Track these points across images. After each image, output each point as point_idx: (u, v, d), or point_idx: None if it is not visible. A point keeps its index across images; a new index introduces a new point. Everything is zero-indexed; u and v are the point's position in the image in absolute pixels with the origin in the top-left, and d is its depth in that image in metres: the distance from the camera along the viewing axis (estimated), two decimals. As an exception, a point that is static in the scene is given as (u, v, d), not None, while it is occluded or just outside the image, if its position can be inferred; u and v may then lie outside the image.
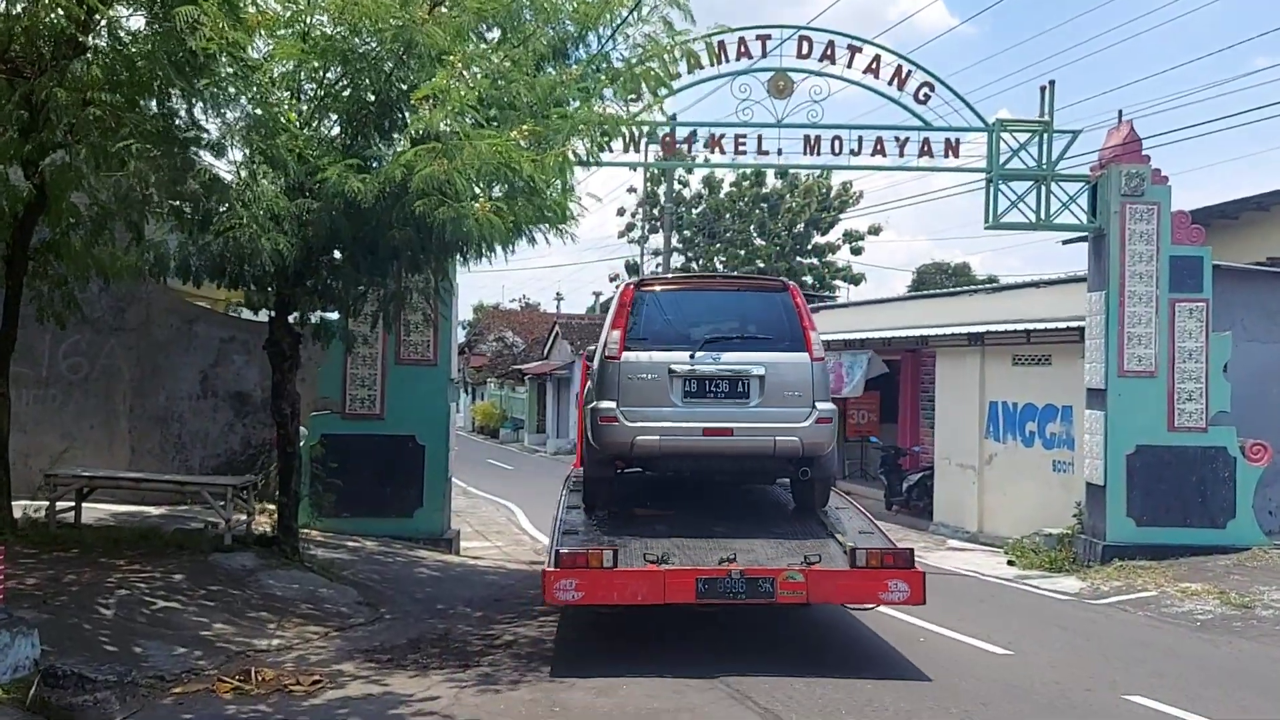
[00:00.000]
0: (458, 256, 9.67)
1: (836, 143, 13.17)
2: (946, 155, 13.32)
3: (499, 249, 9.64)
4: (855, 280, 53.46)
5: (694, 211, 53.91)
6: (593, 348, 12.64)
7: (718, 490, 9.85)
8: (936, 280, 50.35)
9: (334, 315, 12.16)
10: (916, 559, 8.24)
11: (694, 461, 8.81)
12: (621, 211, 55.66)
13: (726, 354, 8.47)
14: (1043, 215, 13.41)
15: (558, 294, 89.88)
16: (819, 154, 13.20)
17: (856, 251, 54.06)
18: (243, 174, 8.54)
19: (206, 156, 8.91)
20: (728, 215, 53.68)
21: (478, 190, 7.87)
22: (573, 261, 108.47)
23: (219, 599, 8.87)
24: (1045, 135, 13.36)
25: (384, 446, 12.83)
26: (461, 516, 17.51)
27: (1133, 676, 8.04)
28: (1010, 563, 14.08)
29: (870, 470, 23.28)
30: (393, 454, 12.84)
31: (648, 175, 43.85)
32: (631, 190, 53.68)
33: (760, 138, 13.18)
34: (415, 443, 12.89)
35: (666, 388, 8.41)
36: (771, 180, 53.46)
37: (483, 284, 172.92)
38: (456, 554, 13.05)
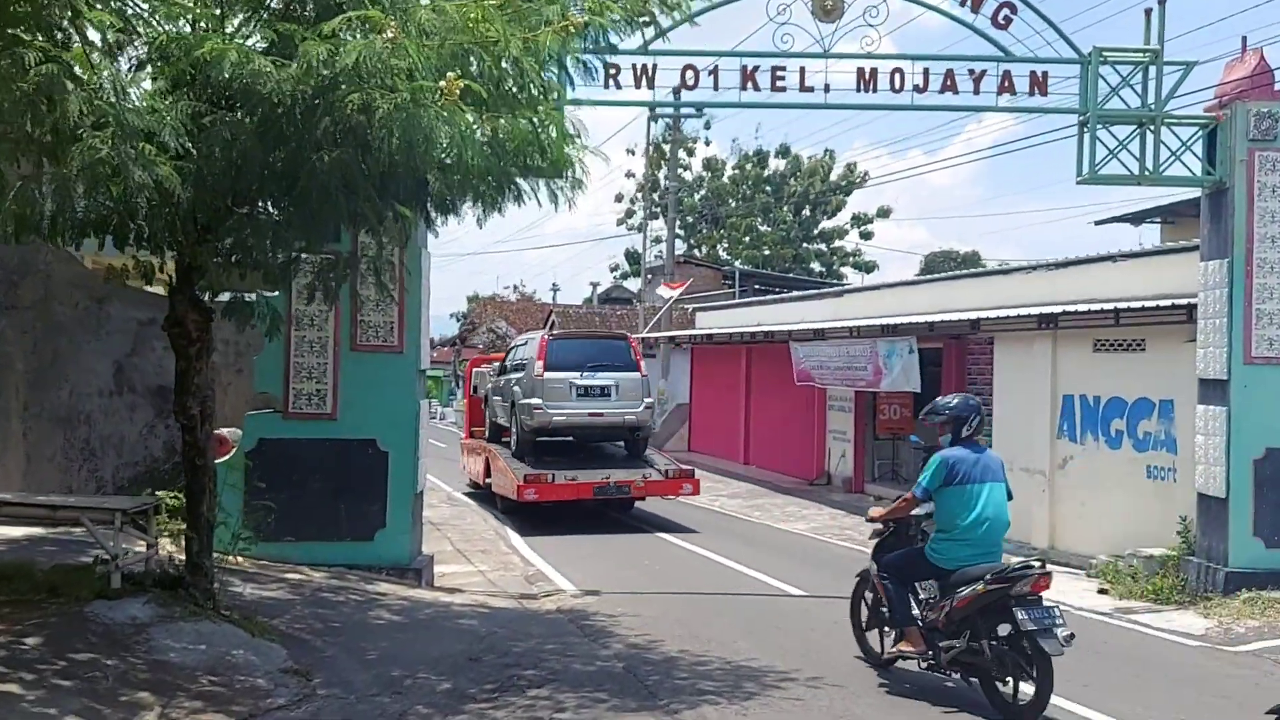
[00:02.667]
0: (419, 202, 7.15)
1: (897, 77, 10.65)
2: (1032, 92, 10.81)
3: (477, 194, 7.21)
4: (867, 268, 51.11)
5: (695, 196, 51.45)
6: (481, 360, 23.08)
7: (579, 448, 16.48)
8: (946, 268, 47.89)
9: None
10: None
11: (582, 430, 16.03)
12: (619, 197, 53.28)
13: (599, 373, 15.59)
14: (1149, 166, 10.91)
15: (554, 285, 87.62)
16: (875, 90, 10.67)
17: (866, 236, 51.75)
18: (102, 68, 5.90)
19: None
20: (730, 200, 51.23)
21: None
22: (570, 241, 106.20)
23: (83, 674, 6.36)
24: (1153, 68, 10.86)
25: (337, 453, 10.32)
26: (441, 531, 15.03)
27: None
28: (1102, 590, 11.62)
29: (904, 472, 20.81)
30: (348, 463, 10.33)
31: (649, 158, 41.41)
32: (630, 175, 51.30)
33: (803, 70, 10.68)
34: (376, 448, 10.38)
35: (568, 391, 15.43)
36: (774, 162, 51.13)
37: (478, 270, 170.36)
38: (428, 586, 10.54)
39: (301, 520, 10.19)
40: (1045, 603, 6.64)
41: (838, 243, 51.74)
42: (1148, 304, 12.10)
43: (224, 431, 10.57)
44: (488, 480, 17.52)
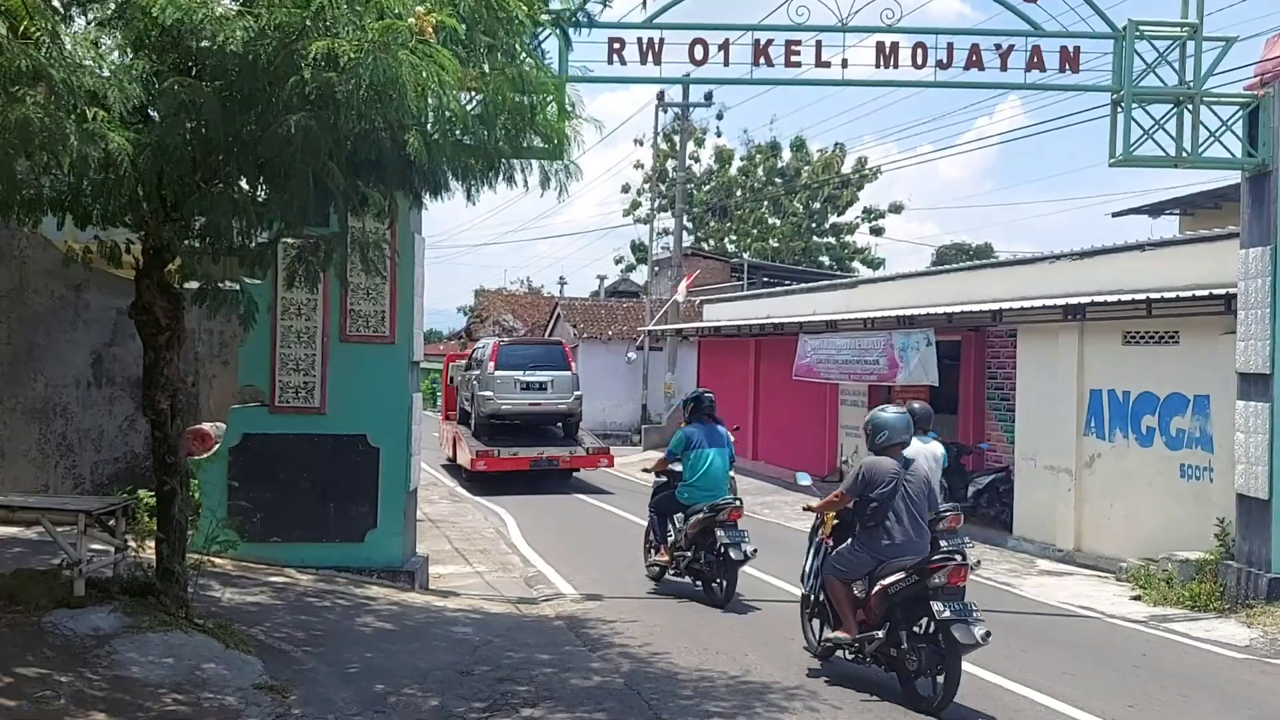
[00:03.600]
0: (402, 175, 6.56)
1: (919, 53, 10.03)
2: (1062, 69, 10.17)
3: (466, 170, 6.65)
4: (874, 264, 50.35)
5: (704, 188, 50.74)
6: (456, 355, 28.19)
7: (524, 429, 20.22)
8: (959, 261, 47.10)
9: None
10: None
11: (525, 417, 20.03)
12: (626, 189, 52.61)
13: (538, 372, 19.70)
14: (1186, 148, 10.27)
15: (560, 278, 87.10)
16: (896, 66, 10.06)
17: (876, 232, 51.05)
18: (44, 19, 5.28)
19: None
20: (739, 192, 50.50)
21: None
22: (579, 230, 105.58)
23: (32, 692, 5.80)
24: (1191, 44, 10.21)
25: (326, 450, 9.77)
26: (440, 529, 14.49)
27: None
28: (1136, 596, 11.01)
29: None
30: (337, 459, 9.77)
31: (656, 149, 40.77)
32: (638, 165, 50.61)
33: (819, 45, 10.05)
34: (367, 444, 9.82)
35: (514, 385, 19.52)
36: (788, 154, 50.39)
37: (486, 263, 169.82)
38: (421, 589, 9.98)
39: (288, 520, 9.67)
40: (739, 526, 9.57)
41: (848, 237, 51.03)
42: (1182, 294, 11.46)
43: (207, 426, 10.05)
44: (455, 454, 21.77)
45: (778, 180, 49.85)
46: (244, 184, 6.93)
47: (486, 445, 19.39)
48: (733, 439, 10.78)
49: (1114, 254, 14.13)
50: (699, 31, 10.02)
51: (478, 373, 20.47)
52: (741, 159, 50.30)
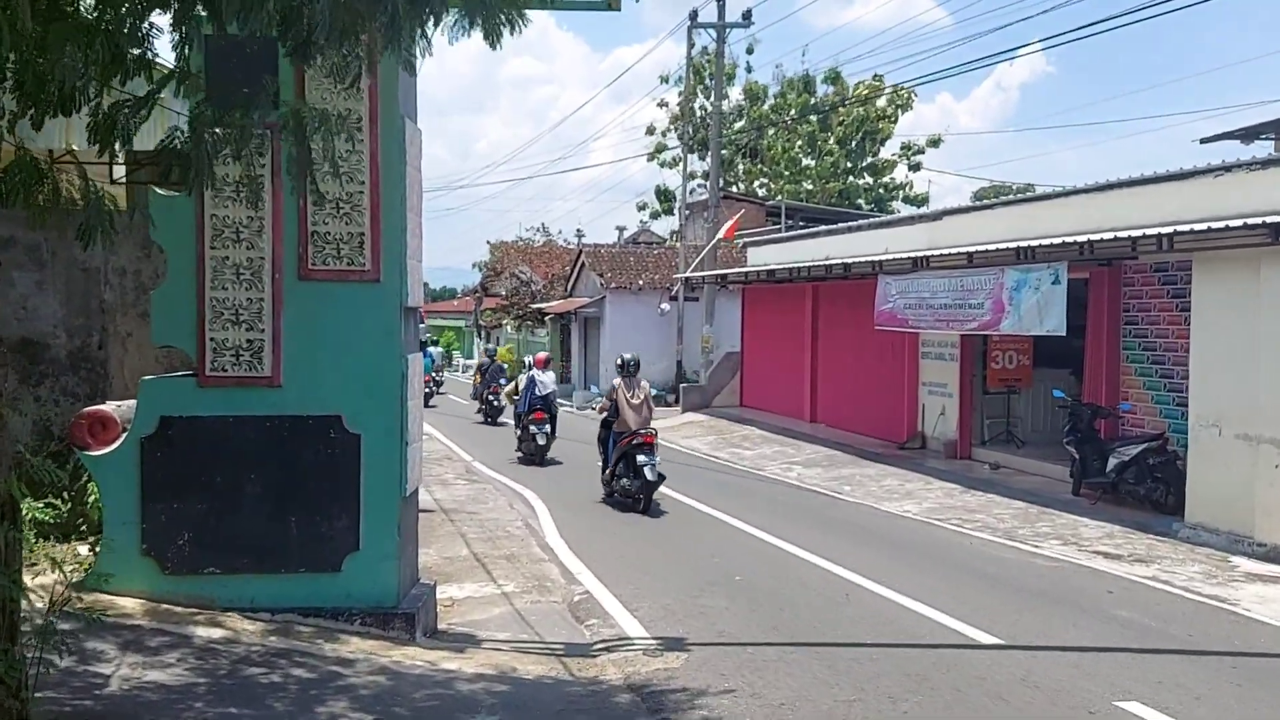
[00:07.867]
0: None
1: None
2: None
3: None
4: (918, 201, 46.86)
5: (734, 127, 47.14)
6: None
7: None
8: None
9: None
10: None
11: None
12: (651, 130, 48.97)
13: None
14: None
15: (579, 230, 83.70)
16: None
17: (915, 168, 47.57)
18: None
19: None
20: (772, 131, 46.90)
21: None
22: (597, 162, 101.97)
23: None
24: None
25: (282, 438, 6.70)
26: (455, 523, 11.49)
27: None
28: None
29: (1019, 433, 17.07)
30: (300, 452, 6.71)
31: (687, 83, 37.32)
32: (663, 104, 46.96)
33: None
34: (342, 429, 6.74)
35: None
36: (822, 89, 46.78)
37: (506, 207, 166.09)
38: (425, 637, 6.94)
39: (230, 542, 6.67)
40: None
41: (886, 176, 47.69)
42: None
43: (108, 407, 7.00)
44: None
45: (812, 118, 46.25)
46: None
47: None
48: (435, 356, 25.96)
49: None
50: None
51: None
52: (775, 95, 46.79)
